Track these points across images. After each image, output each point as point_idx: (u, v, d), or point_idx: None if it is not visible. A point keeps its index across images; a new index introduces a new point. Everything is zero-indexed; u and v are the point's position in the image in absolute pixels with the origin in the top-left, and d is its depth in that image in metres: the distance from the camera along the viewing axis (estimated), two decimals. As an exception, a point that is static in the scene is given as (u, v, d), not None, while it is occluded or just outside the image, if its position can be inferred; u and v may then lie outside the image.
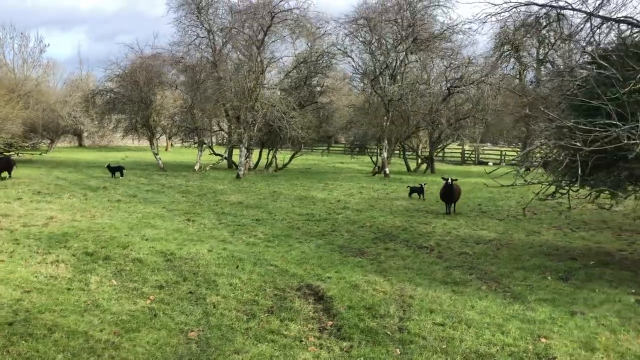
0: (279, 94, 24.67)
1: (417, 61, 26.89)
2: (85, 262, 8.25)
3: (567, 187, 9.02)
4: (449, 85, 27.29)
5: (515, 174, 8.94)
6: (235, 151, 27.41)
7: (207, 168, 25.84)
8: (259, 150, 30.73)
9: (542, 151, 9.38)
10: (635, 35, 8.86)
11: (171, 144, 49.48)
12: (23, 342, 5.33)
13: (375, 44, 27.13)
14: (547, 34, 28.30)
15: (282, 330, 5.90)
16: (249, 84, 22.15)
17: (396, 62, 25.51)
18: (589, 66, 8.97)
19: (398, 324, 6.14)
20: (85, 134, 49.17)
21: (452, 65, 26.88)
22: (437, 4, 25.66)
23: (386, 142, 26.55)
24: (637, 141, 7.10)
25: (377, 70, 26.34)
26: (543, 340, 5.71)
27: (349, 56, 28.86)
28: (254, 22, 23.80)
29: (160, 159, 26.66)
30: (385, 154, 26.30)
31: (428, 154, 30.85)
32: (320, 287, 7.36)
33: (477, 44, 56.10)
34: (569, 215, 15.04)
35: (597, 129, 7.54)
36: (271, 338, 5.71)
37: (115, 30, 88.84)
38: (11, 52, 55.94)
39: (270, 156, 29.47)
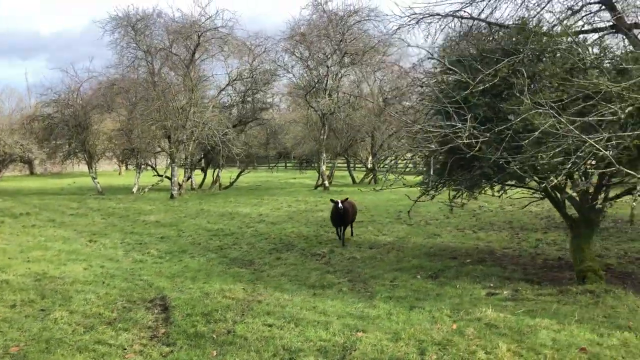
0: (213, 111, 24.79)
1: (350, 75, 27.42)
2: (-52, 287, 8.20)
3: (433, 190, 9.34)
4: (384, 97, 27.88)
5: (382, 179, 9.25)
6: (181, 171, 27.36)
7: (146, 190, 25.73)
8: (204, 169, 30.84)
9: (397, 155, 9.73)
10: (485, 40, 9.32)
11: (125, 168, 49.04)
12: None
13: (311, 59, 27.61)
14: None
15: (109, 340, 5.97)
16: (177, 103, 22.29)
17: (327, 77, 25.97)
18: (448, 71, 9.39)
19: (229, 327, 6.27)
20: (36, 162, 48.42)
21: (385, 78, 27.48)
22: (367, 18, 26.28)
23: (324, 155, 26.89)
24: (472, 141, 7.46)
25: (312, 84, 26.78)
26: (359, 334, 5.90)
27: (289, 72, 29.37)
28: (185, 41, 24.04)
29: (98, 182, 26.44)
30: (323, 167, 26.62)
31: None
32: (171, 298, 7.47)
33: (409, 56, 56.48)
34: (480, 217, 15.49)
35: (446, 131, 7.91)
36: (94, 348, 5.77)
37: (76, 56, 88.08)
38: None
39: (214, 175, 29.56)
